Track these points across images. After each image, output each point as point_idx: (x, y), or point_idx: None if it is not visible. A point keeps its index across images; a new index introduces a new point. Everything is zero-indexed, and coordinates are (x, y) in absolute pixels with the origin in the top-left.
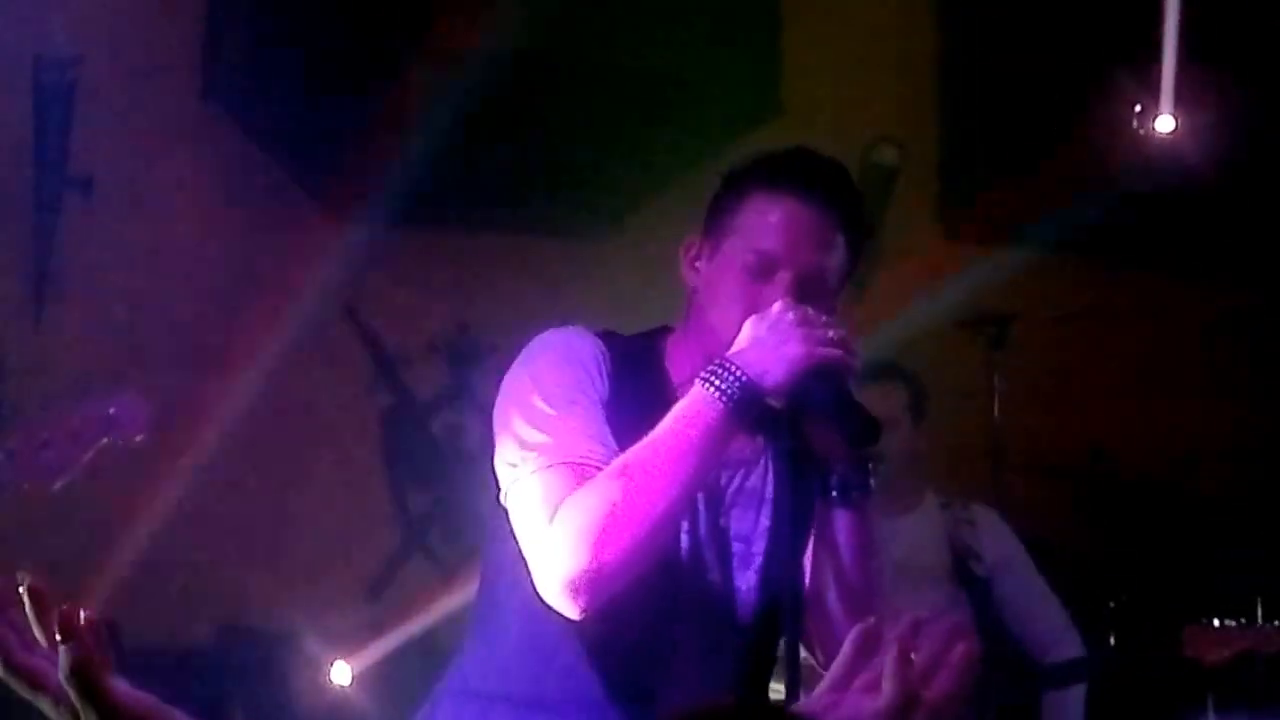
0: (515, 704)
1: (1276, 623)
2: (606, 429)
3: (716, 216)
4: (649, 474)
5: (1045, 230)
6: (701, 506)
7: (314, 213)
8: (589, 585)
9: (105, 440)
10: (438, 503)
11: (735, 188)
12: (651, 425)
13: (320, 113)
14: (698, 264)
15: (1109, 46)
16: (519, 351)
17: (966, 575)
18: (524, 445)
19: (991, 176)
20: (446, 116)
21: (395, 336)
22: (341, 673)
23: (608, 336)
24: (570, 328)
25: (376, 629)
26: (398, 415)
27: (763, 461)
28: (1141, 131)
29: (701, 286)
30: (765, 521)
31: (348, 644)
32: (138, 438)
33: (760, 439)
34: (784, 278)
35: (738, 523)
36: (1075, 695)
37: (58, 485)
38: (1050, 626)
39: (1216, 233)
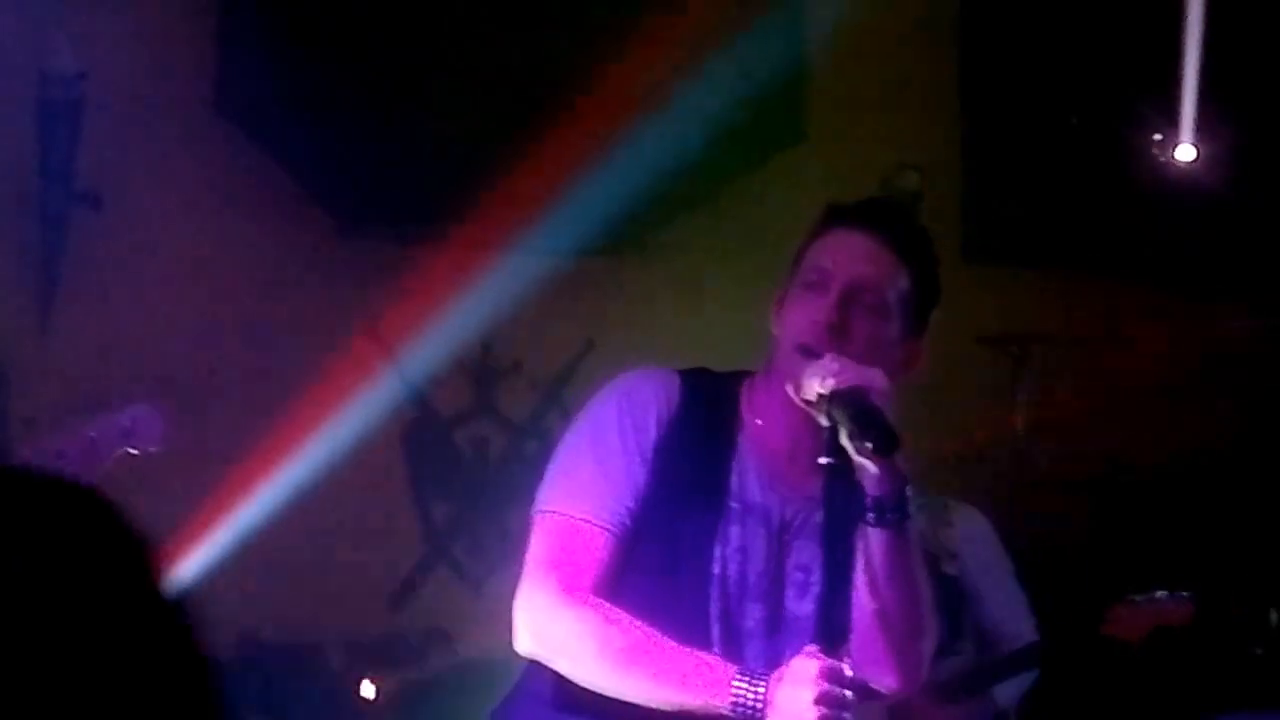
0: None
1: (1184, 594)
2: (630, 489)
3: (792, 265)
4: (631, 672)
5: (1066, 253)
6: (765, 538)
7: (331, 228)
8: (527, 652)
9: (121, 451)
10: (460, 515)
11: (807, 236)
12: (712, 463)
13: (337, 127)
14: (777, 309)
15: (1130, 76)
16: (539, 367)
17: (936, 573)
18: (548, 486)
19: (1013, 201)
20: (468, 134)
21: (417, 353)
22: (365, 687)
23: (689, 375)
24: (645, 371)
25: (400, 641)
26: (420, 430)
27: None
28: (1162, 159)
29: (779, 324)
30: (825, 552)
31: (372, 656)
32: (153, 449)
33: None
34: (834, 287)
35: (800, 553)
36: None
37: None
38: (1014, 628)
39: (1235, 255)
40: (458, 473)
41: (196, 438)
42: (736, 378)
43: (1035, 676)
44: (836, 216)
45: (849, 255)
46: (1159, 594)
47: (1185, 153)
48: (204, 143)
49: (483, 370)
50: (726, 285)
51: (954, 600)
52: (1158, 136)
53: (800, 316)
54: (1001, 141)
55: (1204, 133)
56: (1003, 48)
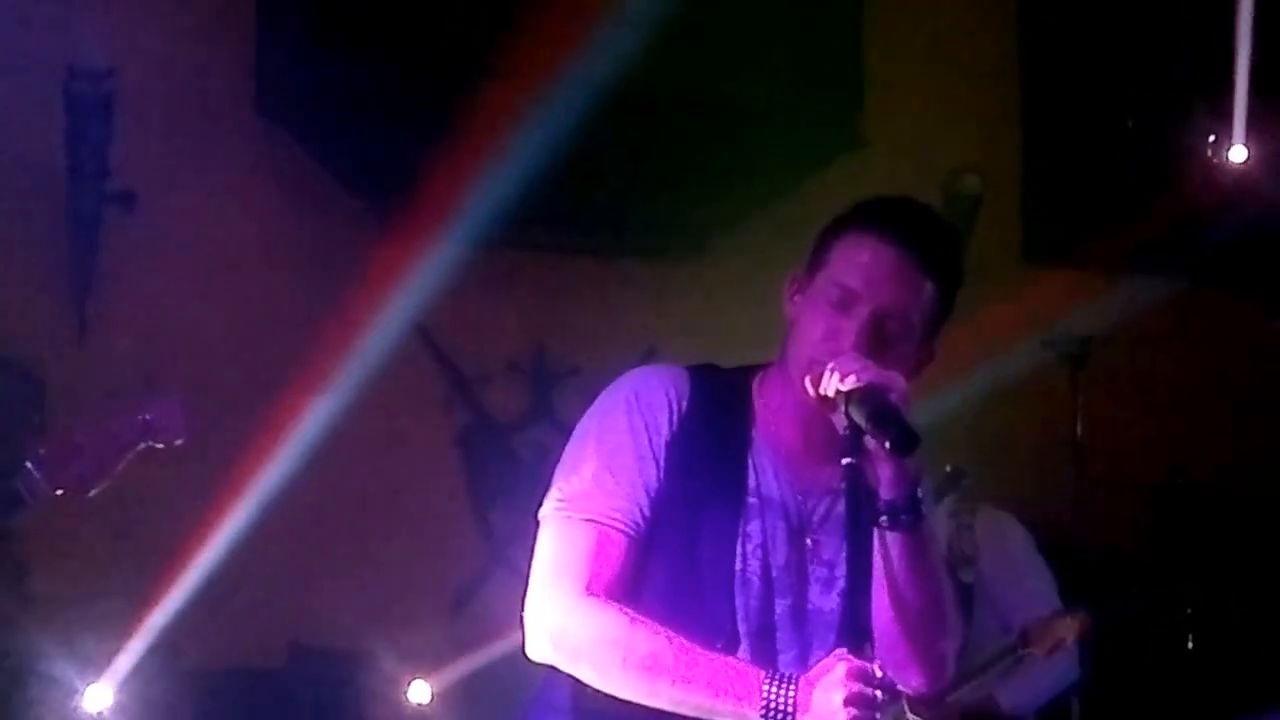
0: None
1: (1075, 609)
2: (642, 488)
3: (815, 253)
4: (660, 679)
5: (1126, 253)
6: (785, 532)
7: (377, 229)
8: (543, 658)
9: (142, 445)
10: (520, 520)
11: (834, 227)
12: (728, 458)
13: (380, 123)
14: (795, 297)
15: (1185, 79)
16: (597, 373)
17: (952, 581)
18: (559, 485)
19: (1073, 204)
20: (523, 138)
21: (472, 356)
22: (420, 691)
23: (698, 372)
24: (652, 367)
25: (458, 647)
26: (476, 434)
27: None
28: (1216, 160)
29: (793, 317)
30: (848, 546)
31: (429, 663)
32: (177, 442)
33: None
34: (861, 312)
35: (822, 547)
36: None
37: (92, 492)
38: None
39: None
40: (516, 479)
41: (240, 442)
42: (747, 372)
43: (1054, 688)
44: (870, 221)
45: (878, 278)
46: (1062, 609)
47: (1238, 154)
48: (240, 139)
49: (539, 374)
50: (784, 286)
51: (965, 606)
52: (1211, 138)
53: (821, 333)
54: (1061, 144)
55: (1256, 134)
56: (1062, 50)
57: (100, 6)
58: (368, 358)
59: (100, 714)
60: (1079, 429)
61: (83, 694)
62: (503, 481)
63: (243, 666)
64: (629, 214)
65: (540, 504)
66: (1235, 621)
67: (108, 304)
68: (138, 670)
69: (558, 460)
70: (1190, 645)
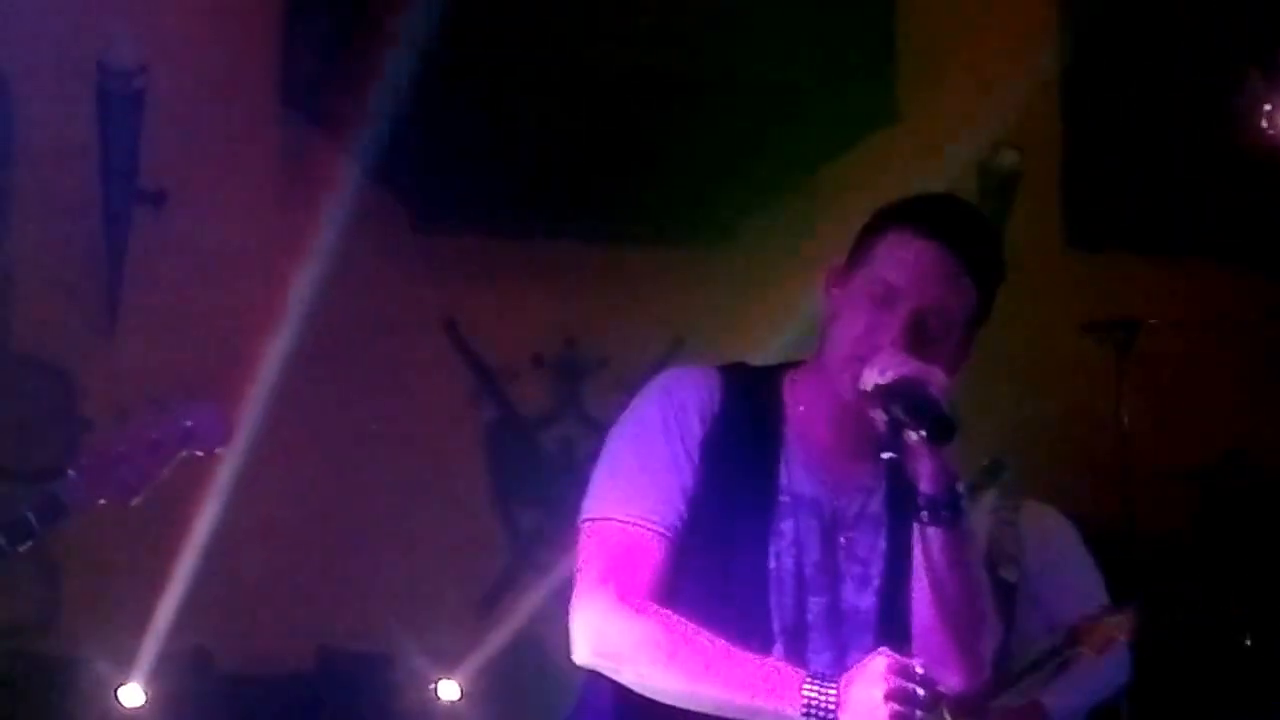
0: None
1: (1126, 606)
2: (679, 490)
3: (857, 247)
4: (703, 681)
5: (1172, 235)
6: (818, 531)
7: (406, 222)
8: (586, 663)
9: (184, 453)
10: (547, 517)
11: (876, 223)
12: (760, 457)
13: (409, 118)
14: (834, 290)
15: (1236, 47)
16: (626, 364)
17: (994, 579)
18: (595, 490)
19: (1116, 180)
20: (554, 126)
21: (499, 350)
22: (449, 689)
23: (729, 371)
24: (684, 369)
25: (487, 647)
26: (503, 430)
27: (882, 487)
28: (1271, 130)
29: (832, 312)
30: (883, 544)
31: (457, 661)
32: (217, 450)
33: (881, 466)
34: (903, 310)
35: (856, 545)
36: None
37: (135, 500)
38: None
39: None
40: (543, 476)
41: (268, 440)
42: (778, 370)
43: (1104, 690)
44: (915, 218)
45: (921, 276)
46: (1105, 607)
47: None
48: (271, 135)
49: (567, 368)
50: (817, 275)
51: (1008, 605)
52: (1268, 106)
53: (862, 330)
54: (1104, 118)
55: None
56: (1106, 18)
57: (128, 4)
58: (396, 353)
59: (134, 711)
60: (1124, 417)
61: (117, 692)
62: (529, 478)
63: (272, 669)
64: (655, 199)
65: (569, 503)
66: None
67: (139, 302)
68: (170, 670)
69: (585, 456)
70: (1248, 642)
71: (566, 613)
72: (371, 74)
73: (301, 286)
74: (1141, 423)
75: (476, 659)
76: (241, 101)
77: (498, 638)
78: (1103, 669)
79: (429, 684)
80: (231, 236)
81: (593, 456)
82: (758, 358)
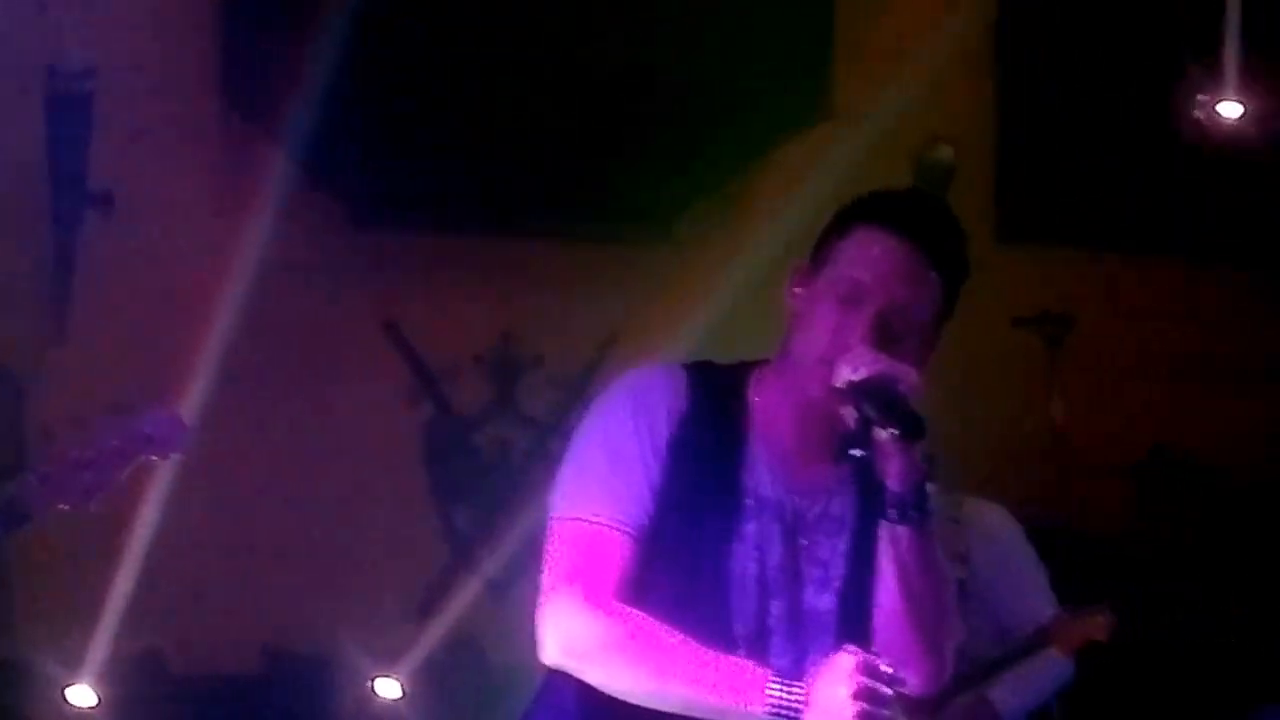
0: None
1: (1101, 607)
2: (646, 489)
3: (821, 246)
4: (669, 680)
5: (1106, 228)
6: (780, 533)
7: (346, 221)
8: (554, 663)
9: (142, 458)
10: (483, 516)
11: (841, 219)
12: (724, 459)
13: (348, 116)
14: (798, 289)
15: (1169, 37)
16: (561, 363)
17: None
18: (562, 490)
19: (1049, 174)
20: (488, 124)
21: (436, 348)
22: (389, 688)
23: (695, 369)
24: (651, 367)
25: (426, 647)
26: (440, 430)
27: (844, 489)
28: (1206, 121)
29: (797, 311)
30: (844, 545)
31: (396, 661)
32: (176, 455)
33: (844, 468)
34: (870, 307)
35: (818, 548)
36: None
37: (95, 506)
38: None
39: (1275, 227)
40: (479, 473)
41: (212, 441)
42: (743, 369)
43: (1050, 689)
44: (880, 214)
45: (888, 272)
46: (1083, 607)
47: (1230, 109)
48: (212, 135)
49: (502, 366)
50: (753, 270)
51: (960, 604)
52: (1202, 97)
53: (831, 329)
54: (1039, 112)
55: (1250, 87)
56: (1041, 12)
57: (76, 6)
58: (334, 353)
59: (86, 712)
60: (1056, 411)
61: (67, 693)
62: (466, 477)
63: (219, 670)
64: (591, 197)
65: (505, 501)
66: (1223, 613)
67: (87, 305)
68: (120, 672)
69: (521, 455)
70: (1177, 638)
71: (505, 611)
72: (308, 73)
73: (242, 287)
74: (1073, 416)
75: (417, 657)
76: (183, 102)
77: (437, 636)
78: (1049, 668)
79: (370, 682)
80: (175, 238)
81: (529, 455)
82: (699, 355)
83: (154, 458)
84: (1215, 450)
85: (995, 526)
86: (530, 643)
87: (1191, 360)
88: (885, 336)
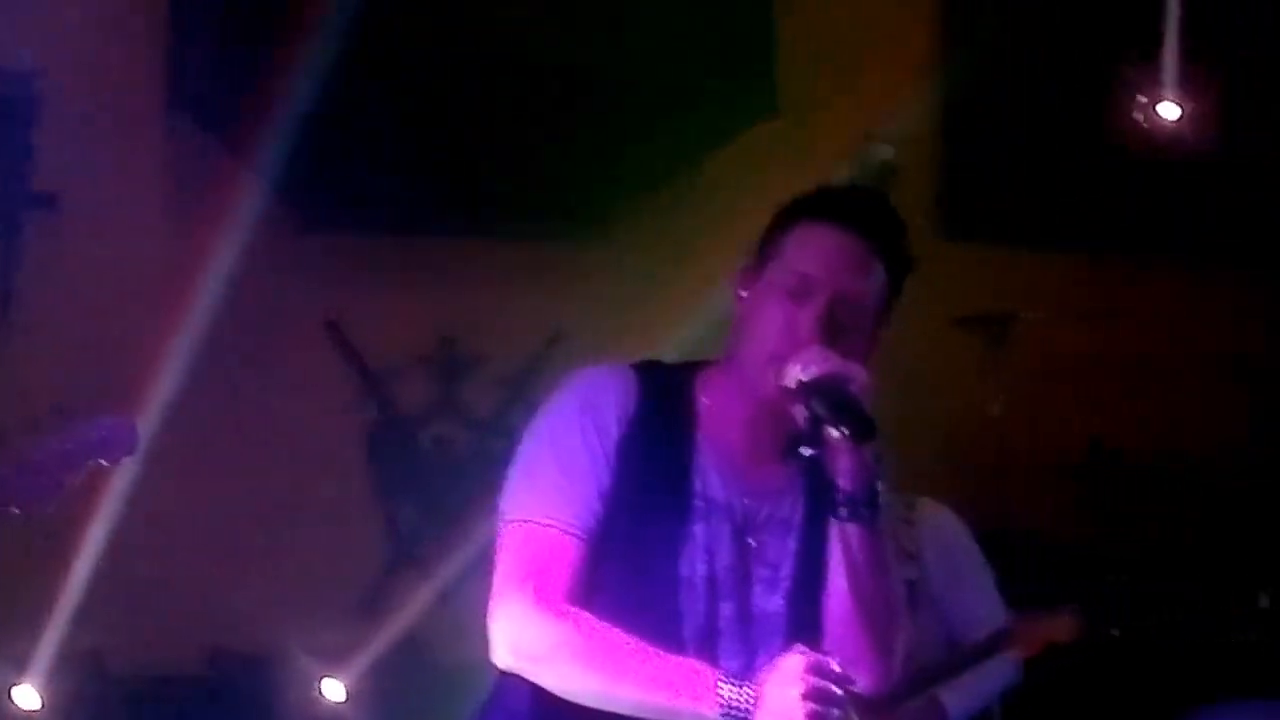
0: None
1: (1065, 610)
2: (595, 491)
3: (764, 245)
4: (621, 682)
5: (1047, 226)
6: (729, 534)
7: (290, 223)
8: (506, 666)
9: (94, 463)
10: (425, 516)
11: (784, 217)
12: (673, 460)
13: (294, 119)
14: (744, 290)
15: (1109, 38)
16: (504, 361)
17: None
18: (511, 491)
19: (990, 173)
20: (431, 122)
21: (379, 349)
22: (334, 689)
23: (644, 369)
24: (600, 367)
25: (369, 646)
26: (383, 430)
27: (793, 490)
28: (1145, 122)
29: (743, 312)
30: (793, 546)
31: (340, 661)
32: (127, 459)
33: (793, 468)
34: (819, 300)
35: (766, 548)
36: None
37: (47, 509)
38: (986, 629)
39: (1227, 218)
40: (422, 473)
41: (156, 442)
42: (690, 369)
43: (998, 690)
44: (824, 208)
45: (834, 263)
46: (1048, 609)
47: (1169, 110)
48: (159, 139)
49: (445, 366)
50: (697, 269)
51: (910, 605)
52: (1142, 98)
53: (779, 326)
54: (980, 110)
55: (1189, 89)
56: (982, 11)
57: (24, 7)
58: (278, 354)
59: (31, 713)
60: (996, 409)
61: (13, 693)
62: (409, 477)
63: (162, 672)
64: (533, 194)
65: (448, 502)
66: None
67: (32, 308)
68: (65, 672)
69: (464, 455)
70: (1116, 634)
71: (450, 612)
72: (254, 77)
73: (188, 289)
74: (1013, 415)
75: (361, 659)
76: (130, 104)
77: (381, 637)
78: (999, 669)
79: (314, 684)
80: (121, 240)
81: (471, 454)
82: (643, 354)
83: (105, 463)
84: (1154, 448)
85: (946, 528)
86: (477, 643)
87: (1131, 359)
88: (834, 329)
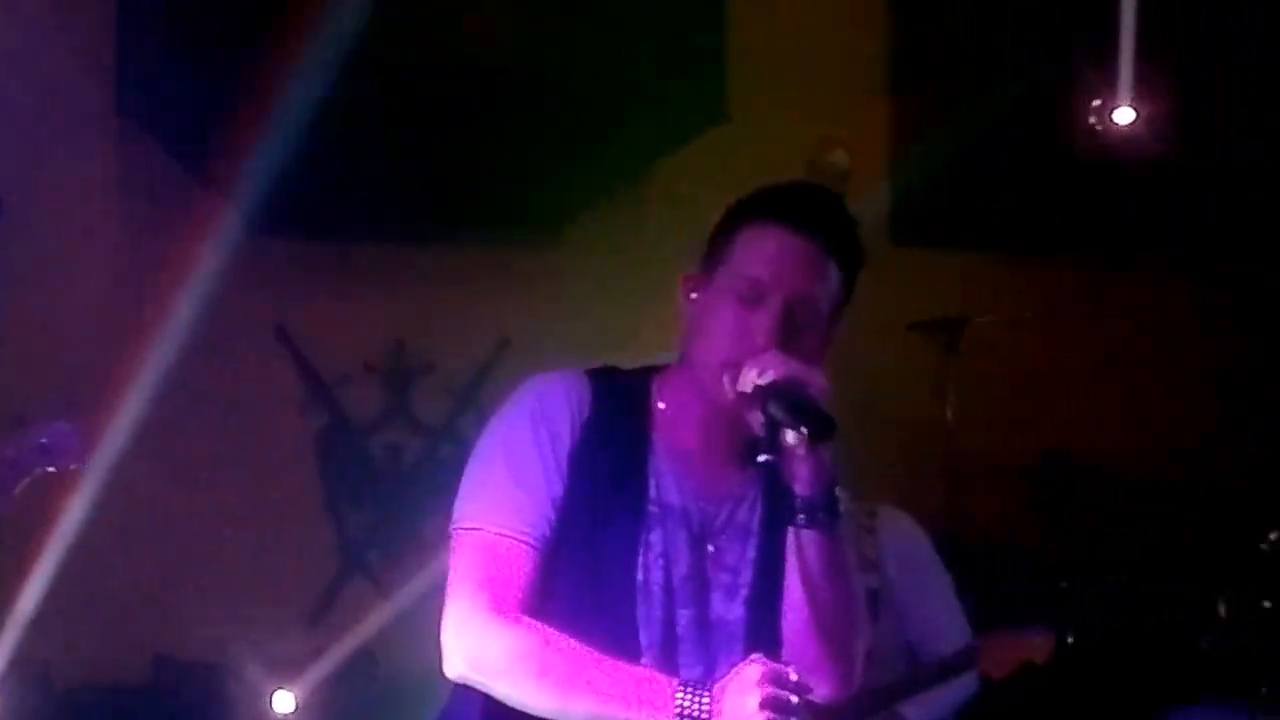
0: None
1: (1040, 629)
2: (549, 499)
3: (713, 248)
4: (575, 693)
5: (999, 232)
6: (686, 541)
7: (240, 228)
8: (459, 677)
9: (39, 471)
10: (376, 524)
11: (731, 219)
12: (628, 467)
13: (241, 125)
14: (693, 295)
15: (1063, 41)
16: (453, 368)
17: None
18: (464, 500)
19: (943, 178)
20: (379, 127)
21: (329, 355)
22: (284, 701)
23: (598, 375)
24: (554, 374)
25: (318, 654)
26: (333, 437)
27: (751, 495)
28: (1099, 126)
29: (694, 316)
30: (752, 552)
31: (289, 671)
32: (73, 466)
33: (750, 474)
34: (773, 304)
35: (725, 554)
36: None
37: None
38: (944, 642)
39: (1168, 229)
40: (372, 481)
41: (103, 451)
42: (645, 374)
43: (959, 702)
44: (772, 209)
45: (785, 267)
46: (1023, 628)
47: (1124, 115)
48: (107, 145)
49: (396, 373)
50: (648, 274)
51: (871, 614)
52: (1096, 102)
53: (732, 331)
54: (932, 115)
55: (1144, 92)
56: (934, 15)
57: None
58: (227, 360)
59: None
60: (950, 415)
61: None
62: (358, 485)
63: (108, 682)
64: (482, 200)
65: (398, 509)
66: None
67: None
68: (11, 684)
69: (413, 461)
70: (1069, 640)
71: (400, 621)
72: (202, 80)
73: (136, 294)
74: (967, 421)
75: (311, 670)
76: (77, 107)
77: (331, 648)
78: (961, 682)
79: (264, 695)
80: (68, 244)
81: (421, 461)
82: (593, 360)
83: (51, 470)
84: (1107, 451)
85: (908, 537)
86: (426, 653)
87: (1085, 362)
88: (788, 332)
